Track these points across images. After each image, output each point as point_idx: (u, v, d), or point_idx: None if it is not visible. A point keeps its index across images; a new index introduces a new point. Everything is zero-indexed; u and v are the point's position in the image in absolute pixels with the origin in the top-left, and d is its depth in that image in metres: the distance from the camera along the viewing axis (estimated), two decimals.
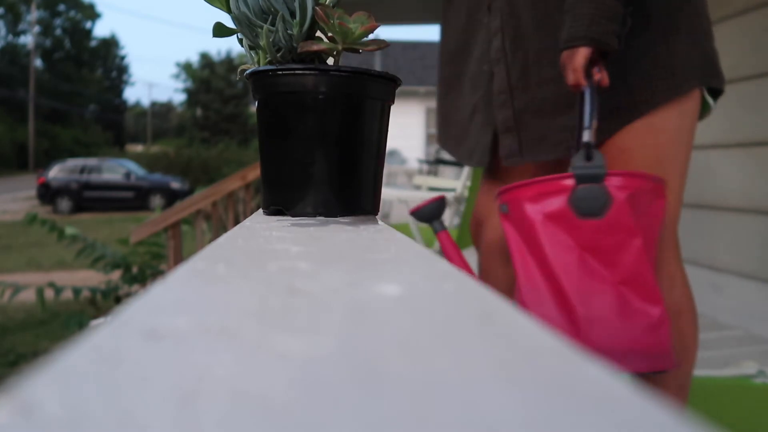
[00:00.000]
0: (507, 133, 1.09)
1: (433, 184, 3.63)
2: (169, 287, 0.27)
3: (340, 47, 0.61)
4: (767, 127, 2.12)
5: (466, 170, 2.05)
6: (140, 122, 42.84)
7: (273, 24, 0.61)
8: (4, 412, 0.14)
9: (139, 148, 33.71)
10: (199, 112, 31.29)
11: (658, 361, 0.85)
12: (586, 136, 0.88)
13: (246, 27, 0.62)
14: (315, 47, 0.60)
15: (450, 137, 1.24)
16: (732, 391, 1.48)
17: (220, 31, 0.64)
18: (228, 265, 0.32)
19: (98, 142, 32.53)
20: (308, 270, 0.31)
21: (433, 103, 1.34)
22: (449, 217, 2.07)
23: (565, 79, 0.98)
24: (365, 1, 3.27)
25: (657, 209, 0.89)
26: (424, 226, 3.60)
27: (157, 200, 13.31)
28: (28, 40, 32.25)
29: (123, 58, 39.40)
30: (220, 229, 2.73)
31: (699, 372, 1.53)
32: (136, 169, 14.61)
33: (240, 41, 0.66)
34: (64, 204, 13.19)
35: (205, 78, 30.97)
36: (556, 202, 0.86)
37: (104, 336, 0.19)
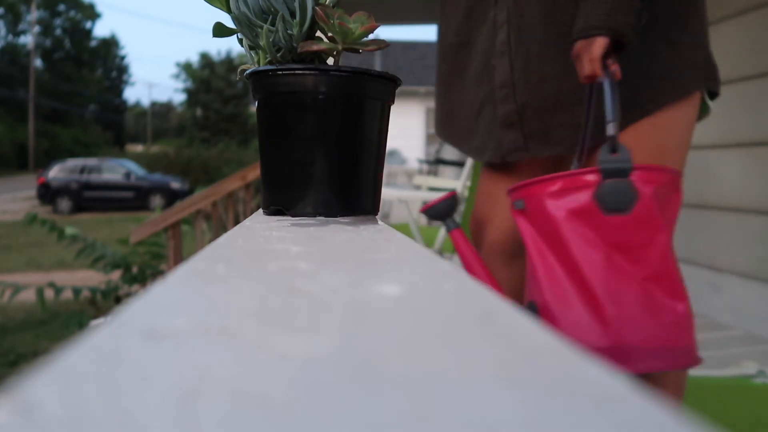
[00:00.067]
0: (510, 128, 1.08)
1: (433, 184, 3.63)
2: (169, 287, 0.27)
3: (340, 47, 0.61)
4: (767, 127, 2.12)
5: (466, 170, 2.05)
6: (140, 122, 42.85)
7: (273, 24, 0.61)
8: (4, 412, 0.14)
9: (139, 148, 33.72)
10: (199, 112, 31.30)
11: (685, 358, 0.84)
12: (611, 129, 0.85)
13: (246, 27, 0.62)
14: (315, 47, 0.60)
15: (455, 131, 1.23)
16: (732, 391, 1.48)
17: (220, 31, 0.64)
18: (228, 265, 0.32)
19: (98, 142, 32.54)
20: (308, 270, 0.31)
21: (433, 103, 1.33)
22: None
23: (567, 74, 0.97)
24: (365, 1, 3.27)
25: (675, 203, 0.88)
26: (425, 226, 3.60)
27: (157, 200, 13.32)
28: (28, 40, 32.27)
29: (123, 58, 39.42)
30: (220, 229, 2.73)
31: (699, 372, 1.54)
32: (136, 169, 14.62)
33: (240, 41, 0.66)
34: (64, 204, 13.20)
35: (205, 78, 30.98)
36: (581, 198, 0.83)
37: (104, 336, 0.19)
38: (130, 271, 3.41)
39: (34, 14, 32.21)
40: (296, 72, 0.59)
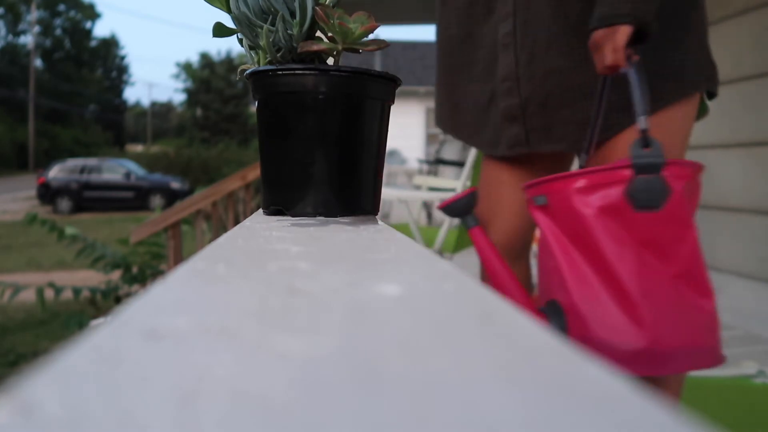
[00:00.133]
0: (513, 122, 1.07)
1: (433, 184, 3.63)
2: (169, 287, 0.27)
3: (340, 47, 0.61)
4: (767, 127, 2.12)
5: (466, 170, 2.05)
6: (140, 122, 42.86)
7: (273, 24, 0.61)
8: (4, 412, 0.14)
9: (139, 148, 33.73)
10: (199, 112, 31.31)
11: (711, 357, 0.81)
12: (642, 123, 0.81)
13: (246, 27, 0.62)
14: (315, 47, 0.60)
15: (462, 125, 1.20)
16: (732, 391, 1.48)
17: (220, 31, 0.64)
18: (228, 265, 0.32)
19: (98, 142, 32.55)
20: (308, 270, 0.31)
21: (433, 103, 1.32)
22: (449, 217, 2.07)
23: (573, 69, 0.96)
24: (365, 1, 3.27)
25: (697, 198, 0.86)
26: (425, 226, 3.60)
27: (157, 200, 13.32)
28: (28, 40, 32.28)
29: (123, 58, 39.42)
30: (220, 229, 2.73)
31: (699, 372, 1.54)
32: (136, 169, 14.62)
33: (240, 41, 0.66)
34: (64, 204, 13.20)
35: (205, 78, 30.99)
36: (612, 194, 0.80)
37: (104, 336, 0.19)
38: (130, 271, 3.41)
39: (34, 14, 32.22)
40: (296, 72, 0.59)
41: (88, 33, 35.39)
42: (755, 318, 2.05)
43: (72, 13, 34.34)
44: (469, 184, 2.05)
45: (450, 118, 1.23)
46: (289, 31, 0.61)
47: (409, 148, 11.86)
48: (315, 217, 0.59)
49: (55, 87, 31.68)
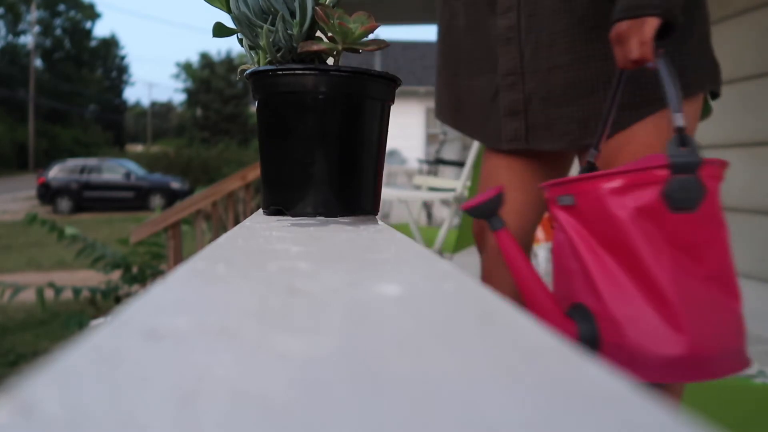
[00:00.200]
0: (514, 116, 1.05)
1: (433, 184, 3.63)
2: (169, 287, 0.27)
3: (340, 47, 0.61)
4: (767, 127, 2.12)
5: (466, 170, 2.05)
6: (140, 122, 42.87)
7: (273, 24, 0.61)
8: (4, 412, 0.14)
9: (139, 148, 33.73)
10: (199, 112, 31.32)
11: (740, 360, 0.79)
12: (678, 120, 0.78)
13: (246, 27, 0.62)
14: (315, 47, 0.60)
15: (465, 119, 1.18)
16: (732, 391, 1.48)
17: (220, 31, 0.64)
18: (228, 265, 0.32)
19: (98, 142, 32.56)
20: (308, 270, 0.31)
21: (433, 103, 1.32)
22: (449, 217, 2.07)
23: (578, 65, 0.94)
24: (365, 1, 3.27)
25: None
26: (425, 226, 3.60)
27: (157, 200, 13.32)
28: (28, 40, 32.28)
29: (123, 58, 39.43)
30: (220, 229, 2.73)
31: None
32: (136, 169, 14.62)
33: (240, 41, 0.66)
34: (64, 204, 13.20)
35: (205, 78, 31.00)
36: (648, 195, 0.76)
37: (104, 336, 0.19)
38: (130, 271, 3.41)
39: (34, 14, 32.23)
40: (296, 72, 0.59)
41: (88, 33, 35.40)
42: (755, 318, 2.05)
43: (72, 13, 34.35)
44: (469, 184, 2.05)
45: (452, 112, 1.21)
46: (289, 31, 0.61)
47: (409, 148, 11.86)
48: (315, 217, 0.59)
49: (55, 87, 31.69)
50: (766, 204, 2.11)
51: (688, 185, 0.76)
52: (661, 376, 0.76)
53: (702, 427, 0.14)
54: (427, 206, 5.77)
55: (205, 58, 31.74)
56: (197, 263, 0.33)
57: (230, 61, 30.52)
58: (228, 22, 0.64)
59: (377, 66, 6.89)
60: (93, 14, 34.93)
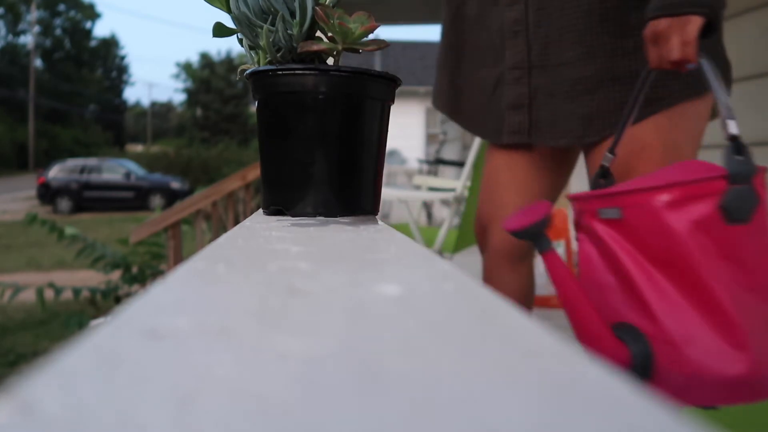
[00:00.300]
0: (518, 110, 1.04)
1: (433, 184, 3.63)
2: (169, 287, 0.27)
3: (340, 47, 0.61)
4: (767, 127, 2.12)
5: (466, 170, 2.05)
6: (140, 122, 42.87)
7: (273, 24, 0.61)
8: (4, 412, 0.14)
9: (139, 148, 33.73)
10: (199, 112, 31.33)
11: None
12: (732, 128, 0.74)
13: (246, 27, 0.62)
14: (315, 47, 0.60)
15: (464, 110, 1.16)
16: None
17: (220, 31, 0.64)
18: (228, 265, 0.32)
19: (98, 142, 32.56)
20: (308, 270, 0.31)
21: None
22: (449, 217, 2.07)
23: (586, 61, 0.93)
24: (365, 1, 3.27)
25: None
26: (425, 226, 3.60)
27: (157, 200, 13.33)
28: (28, 40, 32.29)
29: (123, 58, 39.42)
30: (220, 229, 2.73)
31: None
32: (136, 169, 14.62)
33: (240, 41, 0.66)
34: (64, 204, 13.20)
35: (205, 78, 31.01)
36: (704, 208, 0.72)
37: (104, 336, 0.19)
38: (130, 271, 3.41)
39: (34, 14, 32.23)
40: (296, 72, 0.59)
41: (88, 33, 35.40)
42: None
43: (72, 13, 34.35)
44: (469, 184, 2.05)
45: (451, 101, 1.19)
46: (289, 31, 0.61)
47: (409, 148, 11.87)
48: (315, 217, 0.59)
49: (55, 87, 31.69)
50: None
51: (744, 195, 0.72)
52: (723, 399, 0.72)
53: (702, 428, 0.14)
54: (427, 206, 5.77)
55: (205, 58, 31.75)
56: (197, 263, 0.33)
57: (230, 61, 30.53)
58: (228, 22, 0.64)
59: (377, 66, 6.90)
60: (93, 14, 34.93)
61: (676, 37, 0.78)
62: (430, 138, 12.49)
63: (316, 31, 0.63)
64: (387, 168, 8.03)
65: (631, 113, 0.90)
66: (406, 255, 0.38)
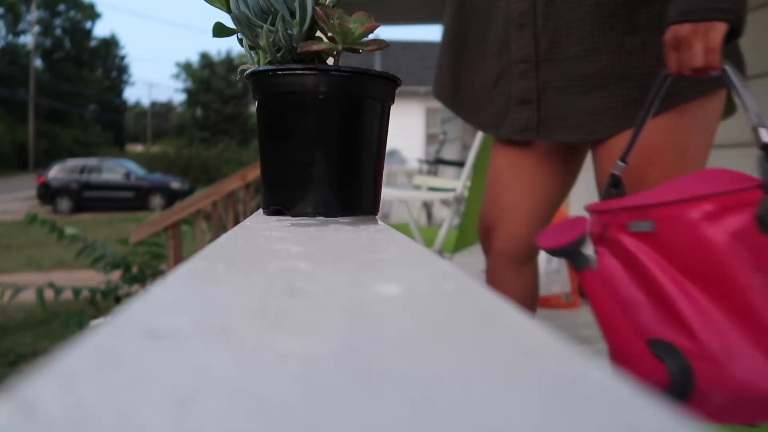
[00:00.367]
0: (525, 105, 1.01)
1: (433, 184, 3.63)
2: (169, 287, 0.27)
3: (340, 47, 0.61)
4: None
5: (466, 170, 2.05)
6: (140, 122, 42.88)
7: (273, 24, 0.61)
8: (4, 412, 0.14)
9: (139, 148, 33.73)
10: (199, 112, 31.33)
11: None
12: (765, 136, 0.73)
13: (246, 27, 0.62)
14: (315, 47, 0.60)
15: (464, 100, 1.14)
16: None
17: (220, 31, 0.64)
18: (228, 265, 0.32)
19: (98, 142, 32.56)
20: (308, 270, 0.31)
21: (432, 103, 1.31)
22: (449, 217, 2.07)
23: (596, 56, 0.92)
24: (365, 1, 3.27)
25: None
26: (425, 226, 3.60)
27: (157, 200, 13.33)
28: (28, 40, 32.28)
29: (123, 58, 39.42)
30: (220, 229, 2.73)
31: None
32: (136, 169, 14.62)
33: (240, 41, 0.66)
34: (64, 204, 13.20)
35: (205, 78, 31.01)
36: (741, 219, 0.70)
37: (104, 336, 0.19)
38: (130, 271, 3.41)
39: (34, 14, 32.23)
40: (296, 72, 0.59)
41: (88, 33, 35.40)
42: None
43: (72, 13, 34.35)
44: (469, 184, 2.05)
45: (451, 91, 1.17)
46: (289, 31, 0.61)
47: (409, 148, 11.87)
48: (315, 217, 0.59)
49: (55, 87, 31.69)
50: None
51: None
52: (765, 416, 0.71)
53: (702, 428, 0.14)
54: (427, 206, 5.77)
55: (205, 58, 31.75)
56: (197, 263, 0.33)
57: (230, 61, 30.54)
58: (228, 22, 0.64)
59: (377, 66, 6.90)
60: (93, 14, 34.93)
61: (700, 44, 0.76)
62: (430, 138, 12.49)
63: (316, 31, 0.63)
64: (387, 168, 8.03)
65: (645, 121, 0.88)
66: (406, 255, 0.38)
